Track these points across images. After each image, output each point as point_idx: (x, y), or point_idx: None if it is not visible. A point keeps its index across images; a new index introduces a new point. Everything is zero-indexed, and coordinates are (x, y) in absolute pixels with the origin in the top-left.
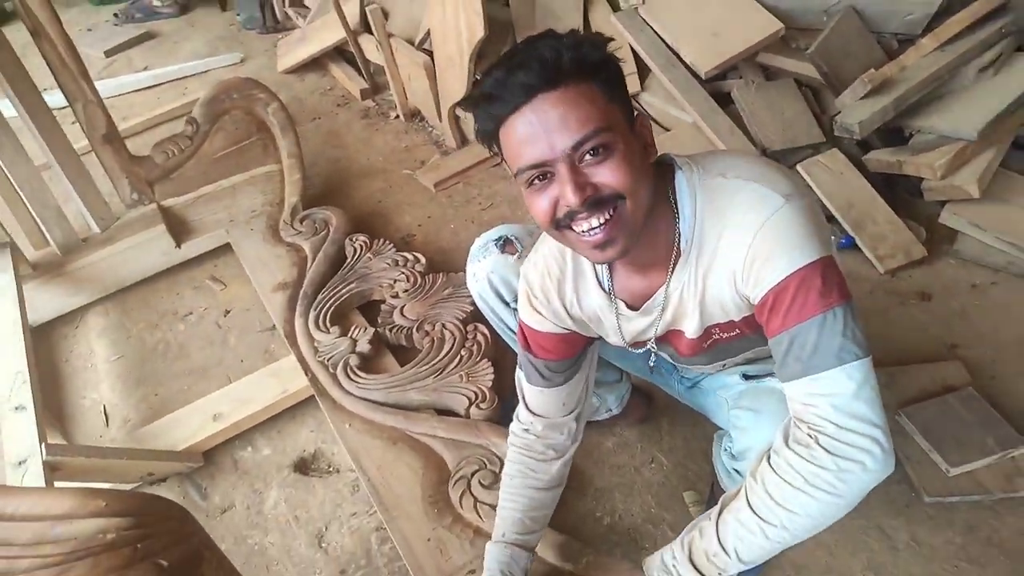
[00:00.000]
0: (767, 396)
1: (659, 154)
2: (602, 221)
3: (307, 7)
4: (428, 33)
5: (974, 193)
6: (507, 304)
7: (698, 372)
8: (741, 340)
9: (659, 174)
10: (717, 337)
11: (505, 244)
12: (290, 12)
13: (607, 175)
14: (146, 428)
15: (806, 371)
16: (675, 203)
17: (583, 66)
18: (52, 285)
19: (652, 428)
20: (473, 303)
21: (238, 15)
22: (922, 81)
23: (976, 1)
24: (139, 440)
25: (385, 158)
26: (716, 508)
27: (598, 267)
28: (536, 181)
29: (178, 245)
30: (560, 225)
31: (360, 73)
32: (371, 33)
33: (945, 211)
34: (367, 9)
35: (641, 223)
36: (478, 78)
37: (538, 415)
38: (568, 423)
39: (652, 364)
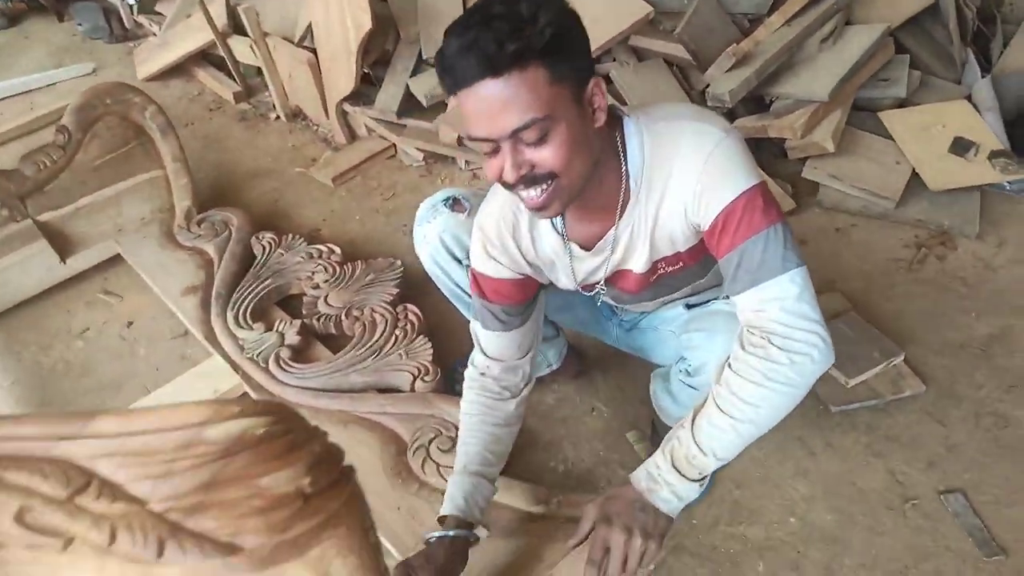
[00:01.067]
0: (715, 316)
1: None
2: (538, 192)
3: (161, 14)
4: (308, 29)
5: (830, 148)
6: (459, 262)
7: (638, 312)
8: (684, 273)
9: (608, 124)
10: (662, 271)
11: (454, 203)
12: (142, 20)
13: (543, 156)
14: None
15: (755, 281)
16: (623, 150)
17: (527, 53)
18: None
19: (587, 382)
20: (398, 286)
21: (79, 25)
22: (776, 53)
23: None
24: None
25: (273, 158)
26: (688, 417)
27: None
28: (486, 149)
29: (63, 260)
30: (506, 186)
31: (231, 76)
32: (242, 34)
33: (807, 167)
34: (240, 9)
35: (577, 189)
36: (444, 35)
37: (495, 359)
38: (523, 365)
39: (598, 301)
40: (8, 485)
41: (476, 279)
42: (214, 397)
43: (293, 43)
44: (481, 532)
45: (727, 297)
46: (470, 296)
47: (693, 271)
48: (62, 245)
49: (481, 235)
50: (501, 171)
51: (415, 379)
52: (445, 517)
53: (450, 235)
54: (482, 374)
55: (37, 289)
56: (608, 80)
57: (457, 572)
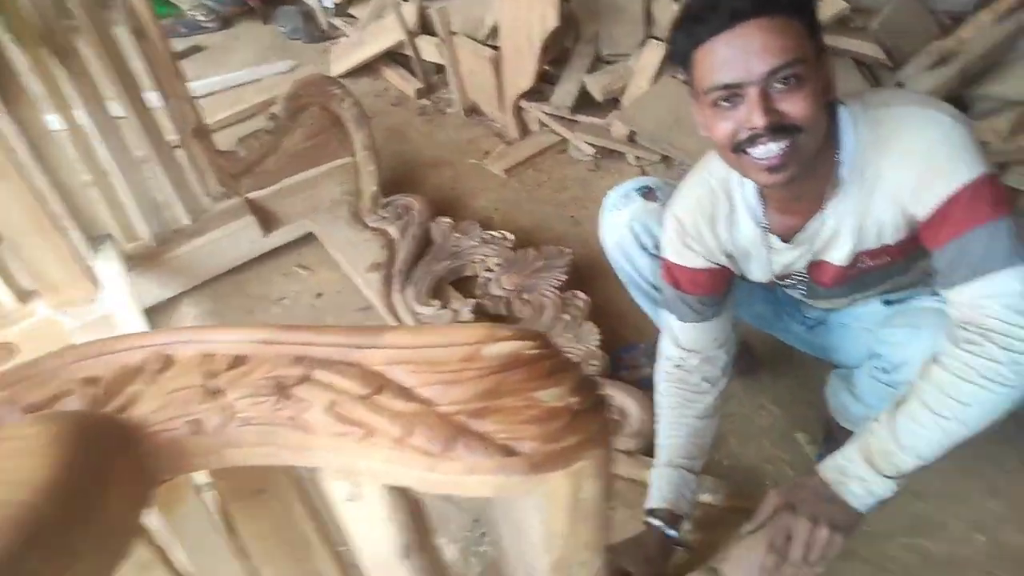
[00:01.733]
0: (921, 313)
1: None
2: (782, 148)
3: (354, 16)
4: (493, 28)
5: None
6: (647, 251)
7: (826, 308)
8: (887, 268)
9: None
10: (864, 265)
11: (647, 192)
12: (337, 22)
13: (793, 105)
14: None
15: (976, 273)
16: (836, 138)
17: (796, 2)
18: (145, 277)
19: (755, 381)
20: (566, 272)
21: (281, 27)
22: (984, 51)
23: None
24: None
25: (449, 150)
26: (884, 414)
27: (752, 201)
28: (723, 103)
29: (266, 234)
30: (739, 147)
31: (413, 73)
32: (429, 34)
33: (1011, 173)
34: (432, 10)
35: (812, 155)
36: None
37: (692, 350)
38: (721, 355)
39: (784, 298)
40: (319, 383)
41: (671, 270)
42: None
43: (477, 41)
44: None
45: (934, 293)
46: (655, 288)
47: (897, 267)
48: (266, 221)
49: (677, 224)
50: (737, 128)
51: (582, 363)
52: (654, 510)
53: (640, 224)
54: (678, 366)
55: (243, 259)
56: None
57: (661, 567)
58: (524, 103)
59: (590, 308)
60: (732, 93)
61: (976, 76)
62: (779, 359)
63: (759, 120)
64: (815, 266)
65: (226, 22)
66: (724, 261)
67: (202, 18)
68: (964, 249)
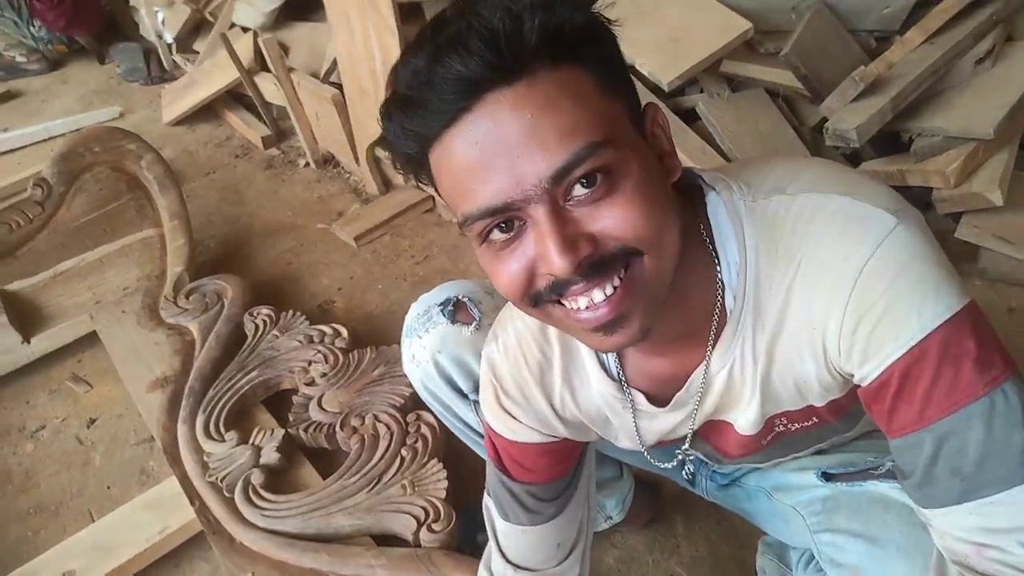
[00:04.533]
0: (878, 512)
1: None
2: (608, 293)
3: (199, 52)
4: (335, 63)
5: (996, 200)
6: (464, 395)
7: (739, 468)
8: (817, 430)
9: (682, 195)
10: (783, 429)
11: (456, 309)
12: (178, 60)
13: (613, 220)
14: None
15: (971, 492)
16: (711, 243)
17: (561, 38)
18: None
19: (663, 531)
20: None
21: (118, 68)
22: (918, 77)
23: None
24: None
25: (295, 212)
26: None
27: None
28: (496, 233)
29: (26, 340)
30: (541, 300)
31: (260, 119)
32: (269, 71)
33: (962, 224)
34: (260, 41)
35: (667, 284)
36: (394, 73)
37: (522, 567)
38: (568, 572)
39: (687, 475)
40: None
41: (491, 439)
42: (160, 537)
43: (319, 79)
44: None
45: (891, 468)
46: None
47: (832, 428)
48: (28, 321)
49: (493, 380)
50: (530, 273)
51: (420, 525)
52: None
53: (449, 356)
54: None
55: None
56: (694, 116)
57: None
58: (381, 152)
59: (438, 437)
60: (506, 218)
61: (912, 108)
62: (694, 498)
63: (560, 262)
64: (712, 428)
65: (55, 64)
66: (563, 432)
67: (22, 59)
68: (944, 446)
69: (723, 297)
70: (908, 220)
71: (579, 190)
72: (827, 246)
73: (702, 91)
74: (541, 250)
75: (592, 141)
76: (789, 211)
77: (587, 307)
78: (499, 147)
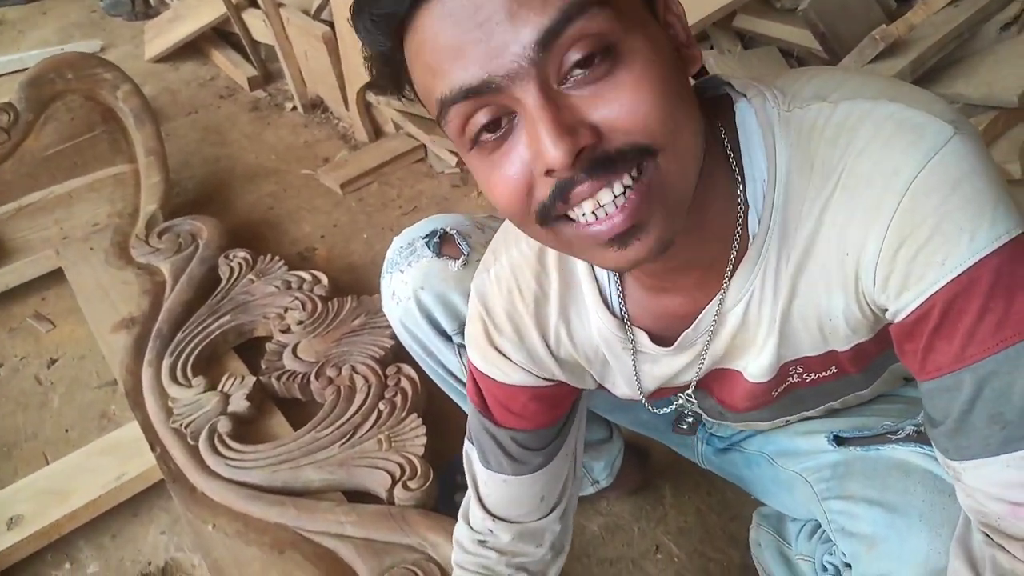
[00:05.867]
0: (898, 477)
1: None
2: (618, 193)
3: None
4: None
5: (1015, 173)
6: (447, 336)
7: (740, 428)
8: (834, 383)
9: (706, 105)
10: (797, 380)
11: (442, 242)
12: None
13: (619, 106)
14: None
15: (1012, 441)
16: (736, 157)
17: None
18: None
19: (651, 498)
20: (395, 336)
21: (101, 1)
22: (940, 40)
23: None
24: None
25: (279, 156)
26: None
27: (603, 276)
28: (484, 134)
29: None
30: (549, 216)
31: (248, 58)
32: (257, 6)
33: None
34: None
35: (690, 191)
36: None
37: (501, 518)
38: (549, 527)
39: (684, 425)
40: None
41: (476, 383)
42: (117, 484)
43: (310, 15)
44: None
45: (919, 428)
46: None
47: (851, 381)
48: None
49: (482, 313)
50: (527, 175)
51: (395, 482)
52: None
53: (432, 293)
54: (481, 542)
55: None
56: (704, 72)
57: None
58: (373, 97)
59: (419, 392)
60: (492, 109)
61: (932, 72)
62: (685, 466)
63: (553, 151)
64: (718, 377)
65: None
66: (560, 374)
67: None
68: (986, 388)
69: (745, 220)
70: (965, 132)
71: (575, 69)
72: (872, 157)
73: (712, 47)
74: (534, 142)
75: (586, 1)
76: (830, 120)
77: (595, 215)
78: (476, 16)
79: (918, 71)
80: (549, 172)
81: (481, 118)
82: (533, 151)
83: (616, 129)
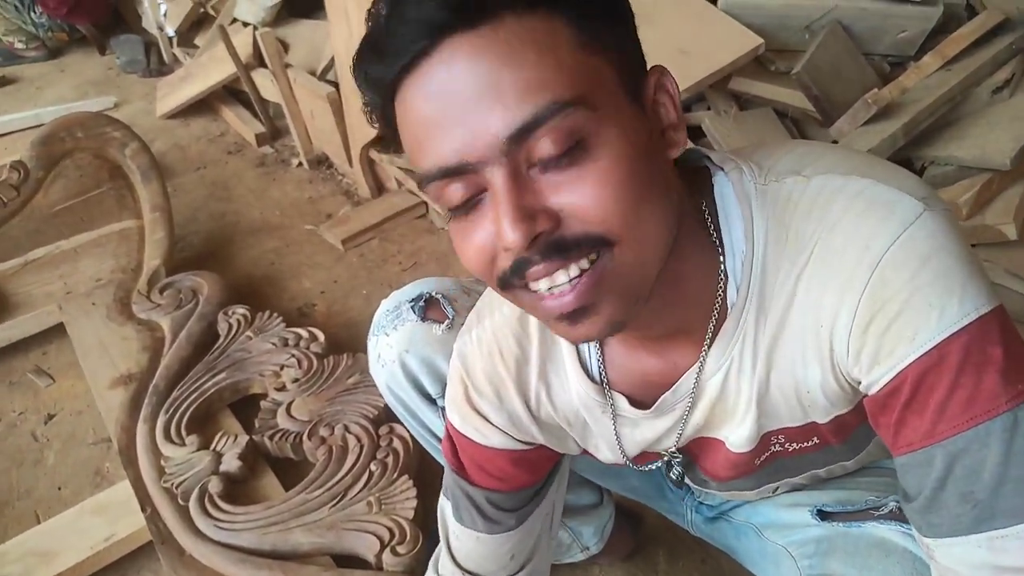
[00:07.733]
0: (878, 557)
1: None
2: (573, 274)
3: (199, 47)
4: (332, 61)
5: (1010, 234)
6: (431, 400)
7: (728, 498)
8: (816, 453)
9: (687, 177)
10: (778, 449)
11: (427, 306)
12: (179, 54)
13: (579, 197)
14: None
15: (983, 521)
16: (715, 229)
17: None
18: None
19: (644, 566)
20: None
21: (118, 59)
22: (933, 103)
23: (977, 16)
24: None
25: (283, 212)
26: None
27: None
28: (457, 206)
29: None
30: (508, 283)
31: (257, 116)
32: (266, 67)
33: None
34: (257, 35)
35: (650, 279)
36: (366, 16)
37: (471, 572)
38: None
39: (676, 475)
40: None
41: (453, 441)
42: (105, 546)
43: (315, 76)
44: None
45: (899, 507)
46: None
47: (834, 452)
48: None
49: (463, 375)
50: (489, 248)
51: (384, 547)
52: None
53: (417, 357)
54: None
55: None
56: (700, 133)
57: None
58: (376, 154)
59: (411, 452)
60: (466, 183)
61: (924, 135)
62: (679, 532)
63: (510, 234)
64: (701, 445)
65: (55, 52)
66: (537, 437)
67: (20, 46)
68: (957, 465)
69: (725, 290)
70: (936, 208)
71: (545, 156)
72: (844, 232)
73: (709, 108)
74: (495, 222)
75: (559, 100)
76: (804, 194)
77: (549, 291)
78: (455, 100)
79: (911, 133)
80: (508, 250)
81: (455, 192)
82: (496, 228)
83: (574, 217)
